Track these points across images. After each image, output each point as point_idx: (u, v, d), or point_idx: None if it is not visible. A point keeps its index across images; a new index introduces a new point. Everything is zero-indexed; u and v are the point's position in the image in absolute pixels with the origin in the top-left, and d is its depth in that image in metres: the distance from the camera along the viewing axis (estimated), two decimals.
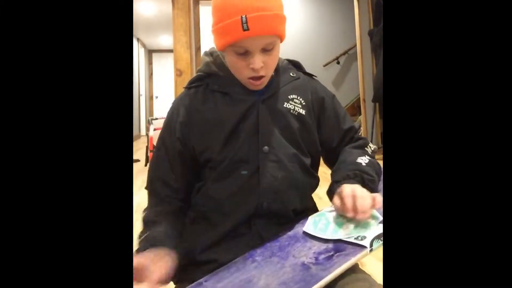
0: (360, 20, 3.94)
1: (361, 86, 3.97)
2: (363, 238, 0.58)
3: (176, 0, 3.52)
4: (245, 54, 0.67)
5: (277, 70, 0.75)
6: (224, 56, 0.75)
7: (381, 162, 0.74)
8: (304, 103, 0.75)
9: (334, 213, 0.67)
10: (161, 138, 0.77)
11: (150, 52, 8.77)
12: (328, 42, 4.75)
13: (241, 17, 0.62)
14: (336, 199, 0.65)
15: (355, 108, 4.67)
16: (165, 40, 7.76)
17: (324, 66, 4.67)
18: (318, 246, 0.60)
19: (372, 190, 0.67)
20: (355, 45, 4.16)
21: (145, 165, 3.25)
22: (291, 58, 0.82)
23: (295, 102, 0.74)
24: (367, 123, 3.91)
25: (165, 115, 0.81)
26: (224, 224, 0.69)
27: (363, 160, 0.74)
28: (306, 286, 0.52)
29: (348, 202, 0.61)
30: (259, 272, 0.58)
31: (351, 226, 0.62)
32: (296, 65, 0.81)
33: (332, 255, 0.57)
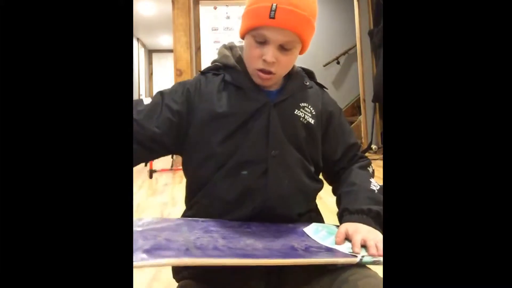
0: (360, 20, 3.94)
1: (361, 86, 3.97)
2: (357, 254, 0.59)
3: (176, 0, 3.52)
4: (263, 44, 0.67)
5: (290, 75, 0.75)
6: (239, 52, 0.77)
7: (381, 162, 0.74)
8: (314, 113, 0.74)
9: (337, 229, 0.67)
10: (163, 92, 0.75)
11: (150, 52, 8.77)
12: (328, 42, 4.75)
13: (272, 5, 0.63)
14: (356, 239, 0.60)
15: (355, 108, 4.67)
16: (165, 40, 7.76)
17: (324, 66, 4.67)
18: (312, 243, 0.61)
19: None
20: (355, 45, 4.16)
21: (145, 165, 3.25)
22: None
23: (305, 111, 0.74)
24: (367, 123, 3.91)
25: None
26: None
27: (375, 186, 0.73)
28: (286, 257, 0.54)
29: (373, 248, 0.59)
30: (249, 236, 0.60)
31: (348, 245, 0.62)
32: (309, 74, 0.81)
33: (322, 251, 0.58)
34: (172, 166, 3.39)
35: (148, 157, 0.75)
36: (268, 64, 0.67)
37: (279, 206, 0.68)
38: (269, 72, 0.68)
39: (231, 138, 0.69)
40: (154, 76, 8.86)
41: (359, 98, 4.09)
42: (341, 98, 4.71)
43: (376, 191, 0.71)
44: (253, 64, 0.69)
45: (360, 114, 4.10)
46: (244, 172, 0.68)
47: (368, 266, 0.60)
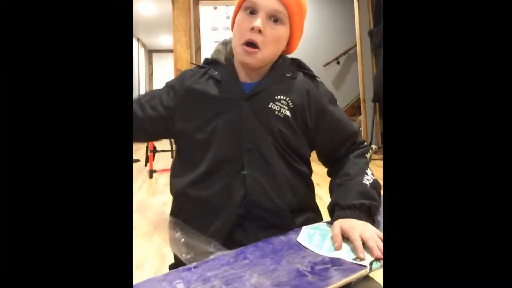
0: (360, 20, 3.94)
1: (361, 86, 3.97)
2: (362, 260, 0.57)
3: (176, 0, 3.52)
4: (252, 14, 0.69)
5: (273, 67, 0.75)
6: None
7: (381, 162, 0.74)
8: (291, 105, 0.71)
9: (329, 228, 0.66)
10: (167, 83, 0.80)
11: (150, 52, 8.77)
12: (328, 42, 4.75)
13: None
14: (355, 238, 0.60)
15: (355, 108, 4.67)
16: (165, 40, 7.76)
17: (324, 66, 4.68)
18: (313, 257, 0.59)
19: (375, 216, 0.68)
20: (355, 45, 4.16)
21: (145, 165, 3.25)
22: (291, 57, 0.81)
23: (281, 103, 0.71)
24: (367, 123, 3.91)
25: None
26: (213, 226, 0.67)
27: (368, 180, 0.71)
28: None
29: (376, 250, 0.58)
30: (251, 270, 0.56)
31: (348, 247, 0.60)
32: (298, 64, 0.79)
33: (329, 268, 0.56)
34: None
35: (142, 138, 0.82)
36: (255, 32, 0.67)
37: (264, 201, 0.67)
38: (254, 46, 0.68)
39: (207, 126, 0.70)
40: (154, 76, 8.86)
41: (359, 98, 4.09)
42: (341, 98, 4.72)
43: (368, 185, 0.71)
44: (240, 38, 0.70)
45: (360, 114, 4.10)
46: (244, 172, 0.67)
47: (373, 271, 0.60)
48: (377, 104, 3.82)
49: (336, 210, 0.68)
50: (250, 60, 0.70)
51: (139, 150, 4.95)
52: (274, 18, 0.68)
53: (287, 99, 0.72)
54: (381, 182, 0.74)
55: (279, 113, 0.71)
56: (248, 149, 0.68)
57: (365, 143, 0.81)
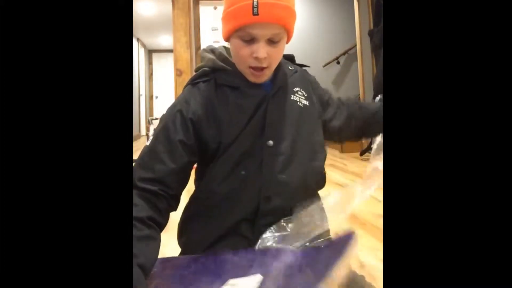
0: (360, 20, 3.94)
1: (361, 86, 3.97)
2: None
3: (176, 0, 3.52)
4: (251, 41, 0.66)
5: (278, 64, 0.76)
6: (223, 52, 0.76)
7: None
8: (306, 95, 0.78)
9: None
10: (163, 129, 0.71)
11: (150, 52, 8.77)
12: (328, 42, 4.75)
13: (253, 1, 0.63)
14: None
15: None
16: (165, 40, 7.75)
17: (324, 66, 4.67)
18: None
19: None
20: (355, 45, 4.16)
21: None
22: None
23: (299, 94, 0.76)
24: None
25: None
26: (225, 220, 0.69)
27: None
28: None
29: None
30: None
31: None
32: (289, 58, 0.82)
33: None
34: None
35: (184, 184, 0.73)
36: (260, 60, 0.67)
37: (278, 196, 0.68)
38: (262, 68, 0.69)
39: (231, 130, 0.70)
40: (154, 76, 8.85)
41: (359, 98, 4.09)
42: None
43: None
44: (244, 63, 0.69)
45: None
46: (243, 173, 0.68)
47: (368, 268, 0.60)
48: None
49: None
50: (260, 79, 0.72)
51: (139, 150, 4.94)
52: (272, 41, 0.67)
53: (301, 90, 0.78)
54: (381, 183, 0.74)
55: (300, 103, 0.76)
56: (269, 145, 0.70)
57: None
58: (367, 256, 1.31)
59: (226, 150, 0.69)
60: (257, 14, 0.63)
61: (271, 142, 0.70)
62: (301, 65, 0.85)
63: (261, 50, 0.66)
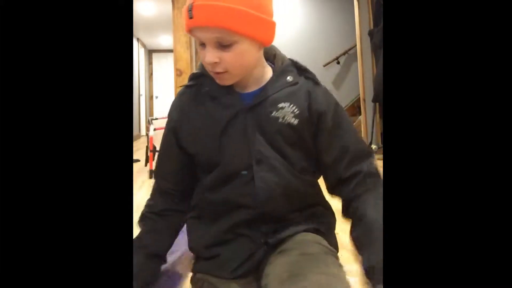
0: (360, 20, 3.94)
1: (361, 86, 3.96)
2: None
3: (176, 0, 3.51)
4: (203, 45, 0.64)
5: (274, 74, 0.72)
6: None
7: (381, 162, 0.73)
8: (297, 112, 0.68)
9: None
10: (163, 136, 0.79)
11: (150, 52, 8.77)
12: (328, 42, 4.74)
13: (189, 4, 0.61)
14: None
15: (355, 108, 4.67)
16: (165, 40, 7.75)
17: (324, 66, 4.67)
18: None
19: None
20: (355, 45, 4.16)
21: (145, 165, 3.25)
22: (291, 58, 0.78)
23: (285, 111, 0.68)
24: (367, 123, 3.90)
25: (165, 115, 0.83)
26: (223, 226, 0.70)
27: None
28: None
29: None
30: None
31: None
32: (299, 67, 0.74)
33: None
34: None
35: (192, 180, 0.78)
36: (211, 65, 0.64)
37: (270, 209, 0.68)
38: (220, 73, 0.65)
39: (217, 150, 0.69)
40: (154, 76, 8.85)
41: (359, 98, 4.09)
42: (341, 98, 4.71)
43: None
44: (207, 67, 0.67)
45: (360, 114, 4.09)
46: (244, 172, 0.68)
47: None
48: (377, 104, 3.82)
49: (369, 272, 0.60)
50: (225, 82, 0.68)
51: (139, 150, 4.94)
52: (221, 45, 0.62)
53: (292, 106, 0.69)
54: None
55: (284, 120, 0.68)
56: (257, 160, 0.67)
57: (372, 164, 0.72)
58: None
59: (213, 163, 0.70)
60: (192, 18, 0.60)
61: (258, 157, 0.67)
62: (313, 80, 0.73)
63: (208, 54, 0.63)
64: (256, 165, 0.67)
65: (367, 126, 3.89)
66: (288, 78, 0.71)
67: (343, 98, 4.74)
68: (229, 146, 0.69)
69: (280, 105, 0.68)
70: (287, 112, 0.68)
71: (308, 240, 0.68)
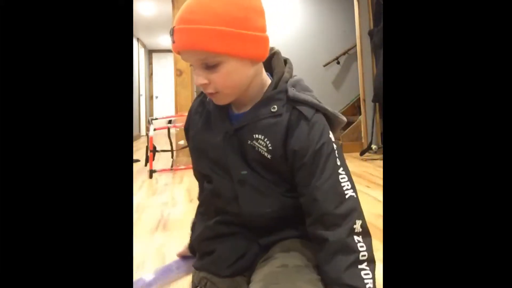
0: (360, 20, 3.94)
1: (361, 86, 3.97)
2: None
3: (176, 0, 3.51)
4: (193, 67, 0.64)
5: (263, 97, 0.67)
6: None
7: (381, 162, 0.72)
8: (270, 147, 0.65)
9: None
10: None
11: (150, 52, 8.77)
12: (328, 42, 4.75)
13: (171, 29, 0.61)
14: None
15: (355, 108, 4.67)
16: (165, 40, 7.76)
17: (324, 66, 4.67)
18: None
19: None
20: (355, 45, 4.16)
21: (145, 165, 3.25)
22: (291, 58, 0.74)
23: (259, 143, 0.66)
24: (367, 123, 3.91)
25: (165, 115, 0.86)
26: (220, 220, 0.72)
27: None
28: None
29: None
30: None
31: None
32: (294, 96, 0.66)
33: None
34: (172, 166, 3.39)
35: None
36: (202, 86, 0.64)
37: (259, 225, 0.70)
38: (212, 93, 0.65)
39: (205, 159, 0.72)
40: (154, 76, 8.85)
41: (359, 98, 4.09)
42: (341, 98, 4.71)
43: None
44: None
45: (360, 114, 4.10)
46: (244, 172, 0.69)
47: None
48: (377, 104, 3.82)
49: None
50: (220, 102, 0.67)
51: (139, 150, 4.95)
52: (208, 66, 0.61)
53: (265, 139, 0.65)
54: (381, 182, 0.74)
55: (259, 149, 0.66)
56: (239, 181, 0.67)
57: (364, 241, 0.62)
58: None
59: (203, 172, 0.74)
60: (174, 42, 0.61)
61: (240, 176, 0.67)
62: (305, 116, 0.65)
63: (197, 77, 0.63)
64: (239, 186, 0.67)
65: (367, 126, 3.90)
66: (272, 108, 0.66)
67: (343, 98, 4.75)
68: (216, 168, 0.70)
69: (255, 136, 0.66)
70: (261, 145, 0.66)
71: (292, 249, 0.67)
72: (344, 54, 4.74)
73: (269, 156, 0.65)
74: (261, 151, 0.65)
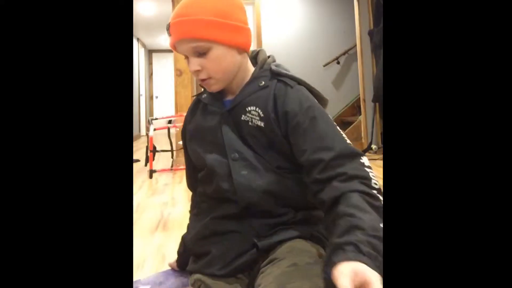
0: (360, 20, 3.95)
1: (361, 86, 3.97)
2: None
3: (176, 0, 3.52)
4: (187, 58, 0.72)
5: (250, 79, 0.75)
6: None
7: (381, 162, 0.72)
8: (262, 115, 0.70)
9: None
10: None
11: (150, 52, 8.78)
12: (328, 42, 4.75)
13: (167, 25, 0.71)
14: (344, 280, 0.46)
15: (355, 108, 4.68)
16: (165, 40, 7.76)
17: (324, 66, 4.67)
18: None
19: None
20: (355, 45, 4.17)
21: (145, 165, 3.25)
22: (291, 58, 0.80)
23: (252, 114, 0.71)
24: (367, 123, 3.91)
25: (165, 115, 0.87)
26: (213, 217, 0.73)
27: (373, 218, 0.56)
28: None
29: None
30: None
31: None
32: (275, 71, 0.74)
33: None
34: (172, 166, 3.39)
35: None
36: (195, 73, 0.71)
37: (255, 204, 0.70)
38: (205, 79, 0.72)
39: (201, 149, 0.77)
40: (154, 76, 8.86)
41: (359, 98, 4.09)
42: (341, 98, 4.71)
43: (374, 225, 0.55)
44: (196, 78, 0.74)
45: (360, 114, 4.10)
46: (244, 172, 0.70)
47: None
48: (377, 104, 3.82)
49: (335, 255, 0.52)
50: (212, 88, 0.74)
51: (139, 150, 4.95)
52: (199, 53, 0.70)
53: (257, 109, 0.71)
54: (381, 182, 0.73)
55: (252, 123, 0.72)
56: (234, 158, 0.72)
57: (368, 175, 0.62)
58: None
59: (201, 165, 0.77)
60: (170, 35, 0.70)
61: (235, 155, 0.72)
62: (285, 82, 0.72)
63: (191, 64, 0.71)
64: (233, 162, 0.71)
65: (367, 126, 3.90)
66: (260, 83, 0.74)
67: (343, 98, 4.75)
68: (211, 149, 0.75)
69: (248, 109, 0.72)
70: (254, 115, 0.72)
71: (298, 248, 0.67)
72: (344, 54, 4.75)
73: (262, 124, 0.71)
74: (254, 120, 0.71)
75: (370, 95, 3.80)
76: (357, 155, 0.65)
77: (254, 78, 0.75)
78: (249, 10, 4.84)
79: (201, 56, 0.70)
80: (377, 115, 3.85)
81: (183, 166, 3.26)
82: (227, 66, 0.72)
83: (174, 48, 0.73)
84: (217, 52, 0.70)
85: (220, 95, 0.77)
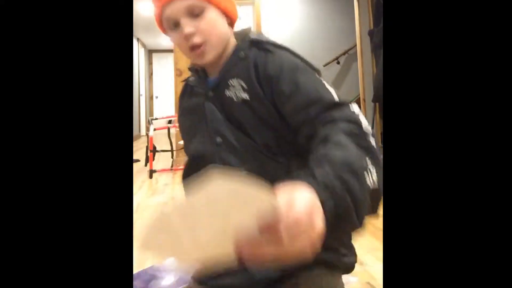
0: (360, 20, 3.95)
1: (361, 86, 3.97)
2: None
3: None
4: (176, 25, 0.67)
5: (232, 53, 0.71)
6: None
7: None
8: (245, 86, 0.66)
9: None
10: None
11: (150, 52, 8.78)
12: (328, 42, 4.75)
13: None
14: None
15: None
16: (165, 40, 7.76)
17: (324, 66, 4.67)
18: None
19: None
20: (355, 45, 4.17)
21: (145, 165, 3.25)
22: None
23: (235, 88, 0.67)
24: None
25: (165, 115, 0.87)
26: None
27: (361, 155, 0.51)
28: None
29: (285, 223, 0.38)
30: None
31: None
32: (254, 40, 0.71)
33: None
34: (172, 166, 3.39)
35: None
36: (190, 37, 0.66)
37: None
38: (199, 46, 0.67)
39: (189, 135, 0.76)
40: (154, 76, 8.86)
41: (359, 98, 4.09)
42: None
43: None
44: (185, 50, 0.69)
45: None
46: (227, 158, 0.68)
47: (367, 267, 0.58)
48: (377, 104, 3.82)
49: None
50: (204, 59, 0.68)
51: (139, 150, 4.95)
52: (193, 14, 0.66)
53: (239, 80, 0.67)
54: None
55: (236, 98, 0.67)
56: (218, 143, 0.68)
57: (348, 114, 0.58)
58: (367, 256, 1.31)
59: (188, 152, 0.76)
60: None
61: (219, 139, 0.68)
62: (265, 48, 0.69)
63: (185, 26, 0.66)
64: (216, 147, 0.68)
65: None
66: (240, 55, 0.70)
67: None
68: (196, 133, 0.73)
69: (230, 83, 0.68)
70: (237, 89, 0.67)
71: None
72: (344, 54, 4.75)
73: (247, 97, 0.66)
74: (239, 94, 0.67)
75: (370, 95, 3.80)
76: (345, 103, 0.61)
77: (235, 51, 0.71)
78: (249, 10, 4.85)
79: (195, 17, 0.66)
80: (377, 115, 3.85)
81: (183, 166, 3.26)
82: (221, 30, 0.69)
83: (159, 15, 0.68)
84: (212, 14, 0.67)
85: (204, 74, 0.74)
